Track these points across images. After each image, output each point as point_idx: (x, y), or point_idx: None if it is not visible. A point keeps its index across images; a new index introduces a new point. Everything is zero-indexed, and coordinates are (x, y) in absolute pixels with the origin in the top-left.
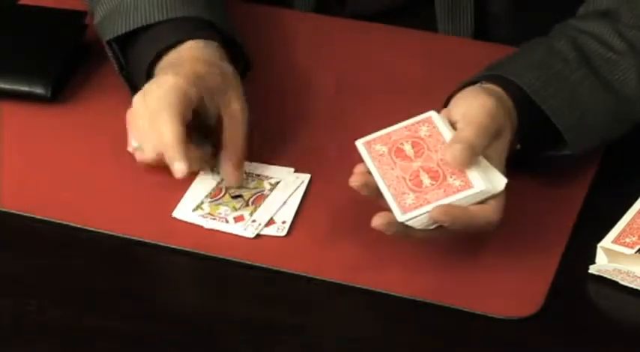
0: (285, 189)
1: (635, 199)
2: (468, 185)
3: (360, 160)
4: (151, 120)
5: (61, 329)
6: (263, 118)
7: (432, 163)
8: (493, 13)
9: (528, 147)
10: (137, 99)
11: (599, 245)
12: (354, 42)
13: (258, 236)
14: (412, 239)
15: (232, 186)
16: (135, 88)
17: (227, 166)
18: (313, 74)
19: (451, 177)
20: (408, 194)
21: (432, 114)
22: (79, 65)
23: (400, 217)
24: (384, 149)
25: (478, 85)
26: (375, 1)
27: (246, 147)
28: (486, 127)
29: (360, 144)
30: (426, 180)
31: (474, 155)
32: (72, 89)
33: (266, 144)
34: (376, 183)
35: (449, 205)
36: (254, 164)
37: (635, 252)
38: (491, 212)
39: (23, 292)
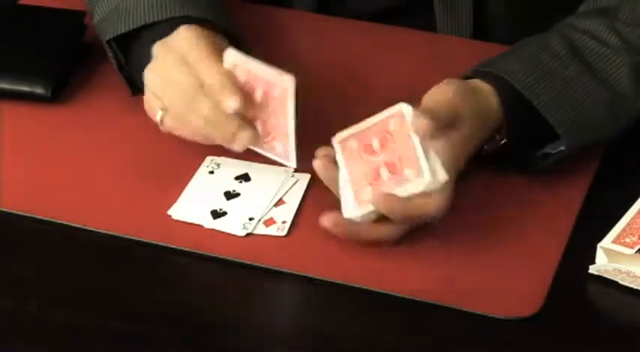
0: (278, 185)
1: (635, 199)
2: (419, 175)
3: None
4: (194, 71)
5: (61, 329)
6: None
7: (393, 156)
8: (492, 14)
9: (524, 144)
10: (158, 47)
11: (599, 245)
12: (354, 42)
13: (254, 235)
14: (361, 240)
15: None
16: (135, 88)
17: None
18: (313, 74)
19: (406, 169)
20: (367, 188)
21: (402, 106)
22: (79, 65)
23: (353, 212)
24: (355, 145)
25: (457, 79)
26: (375, 0)
27: None
28: (436, 112)
29: (335, 141)
30: (384, 173)
31: (435, 128)
32: (72, 89)
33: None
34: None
35: (388, 193)
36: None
37: (635, 252)
38: (431, 202)
39: (23, 292)
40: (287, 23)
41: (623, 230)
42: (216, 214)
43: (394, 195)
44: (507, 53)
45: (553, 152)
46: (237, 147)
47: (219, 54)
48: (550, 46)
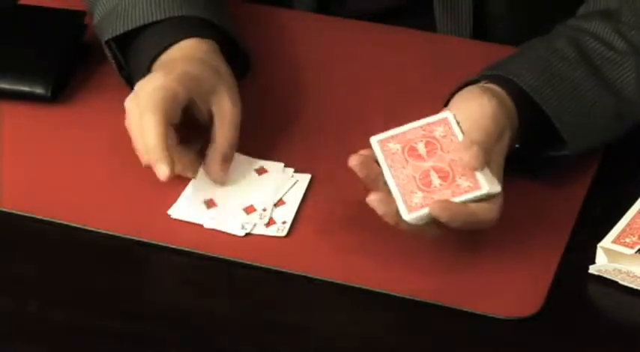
0: (277, 185)
1: (635, 199)
2: (476, 186)
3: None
4: (140, 121)
5: (61, 329)
6: (263, 118)
7: (443, 163)
8: (492, 14)
9: (528, 147)
10: (128, 100)
11: (599, 245)
12: (354, 42)
13: (254, 235)
14: (409, 232)
15: (216, 182)
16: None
17: (212, 162)
18: (313, 74)
19: (460, 178)
20: (416, 193)
21: (447, 114)
22: (79, 65)
23: (405, 216)
24: (398, 147)
25: (478, 85)
26: (375, 1)
27: (234, 144)
28: (491, 131)
29: (374, 141)
30: (436, 180)
31: (487, 157)
32: (72, 89)
33: (265, 144)
34: (379, 172)
35: (448, 201)
36: (251, 160)
37: (635, 252)
38: (490, 209)
39: (23, 292)
40: (287, 23)
41: (623, 230)
42: (214, 210)
43: (454, 203)
44: (513, 56)
45: (556, 154)
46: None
47: (172, 106)
48: (558, 49)
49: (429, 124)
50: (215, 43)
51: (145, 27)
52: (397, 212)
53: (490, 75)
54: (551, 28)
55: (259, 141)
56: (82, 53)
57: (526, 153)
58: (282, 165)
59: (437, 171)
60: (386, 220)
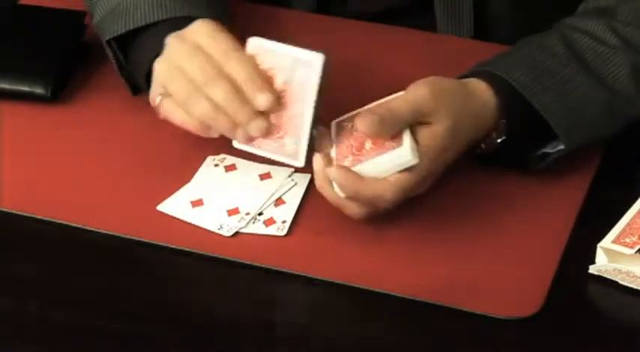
0: (274, 184)
1: (635, 199)
2: (399, 144)
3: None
4: (219, 63)
5: (61, 329)
6: None
7: None
8: (493, 14)
9: (522, 143)
10: (172, 41)
11: (599, 245)
12: (355, 42)
13: (254, 235)
14: (331, 200)
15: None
16: (135, 88)
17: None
18: None
19: (389, 141)
20: (348, 157)
21: (402, 92)
22: (79, 65)
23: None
24: (350, 125)
25: (440, 77)
26: (375, 1)
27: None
28: (395, 108)
29: (334, 122)
30: (368, 145)
31: (382, 125)
32: (72, 89)
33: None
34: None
35: (344, 168)
36: (250, 162)
37: (635, 252)
38: (387, 186)
39: (23, 292)
40: (287, 23)
41: (623, 230)
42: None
43: (350, 171)
44: (505, 53)
45: (552, 151)
46: (242, 137)
47: (240, 46)
48: (548, 46)
49: (383, 102)
50: None
51: (146, 27)
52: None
53: (479, 71)
54: (552, 27)
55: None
56: (82, 53)
57: (521, 149)
58: (287, 172)
59: (372, 138)
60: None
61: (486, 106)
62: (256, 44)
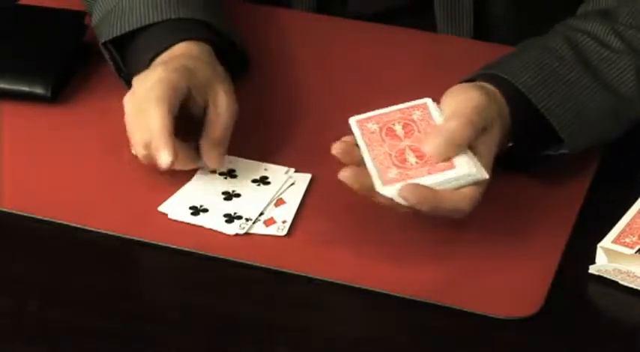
0: (274, 186)
1: (635, 199)
2: (451, 165)
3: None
4: (139, 112)
5: (61, 329)
6: (263, 118)
7: (419, 143)
8: (493, 15)
9: (526, 147)
10: (127, 97)
11: (599, 245)
12: (355, 42)
13: (254, 235)
14: (379, 204)
15: (213, 169)
16: None
17: (207, 148)
18: (313, 74)
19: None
20: (392, 168)
21: (427, 100)
22: (79, 65)
23: (380, 189)
24: (376, 127)
25: (472, 82)
26: (375, 1)
27: (227, 135)
28: (471, 121)
29: (353, 121)
30: (412, 159)
31: (453, 148)
32: (72, 89)
33: (266, 144)
34: (361, 155)
35: (417, 185)
36: (250, 161)
37: (635, 252)
38: (462, 198)
39: (23, 292)
40: (287, 23)
41: (623, 230)
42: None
43: (424, 187)
44: (510, 56)
45: (554, 154)
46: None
47: (174, 97)
48: (554, 49)
49: (407, 108)
50: (210, 45)
51: (142, 29)
52: (371, 186)
53: (485, 74)
54: (552, 28)
55: (259, 141)
56: (82, 53)
57: (524, 152)
58: (284, 169)
59: (413, 150)
60: (361, 194)
61: (505, 109)
62: (357, 118)
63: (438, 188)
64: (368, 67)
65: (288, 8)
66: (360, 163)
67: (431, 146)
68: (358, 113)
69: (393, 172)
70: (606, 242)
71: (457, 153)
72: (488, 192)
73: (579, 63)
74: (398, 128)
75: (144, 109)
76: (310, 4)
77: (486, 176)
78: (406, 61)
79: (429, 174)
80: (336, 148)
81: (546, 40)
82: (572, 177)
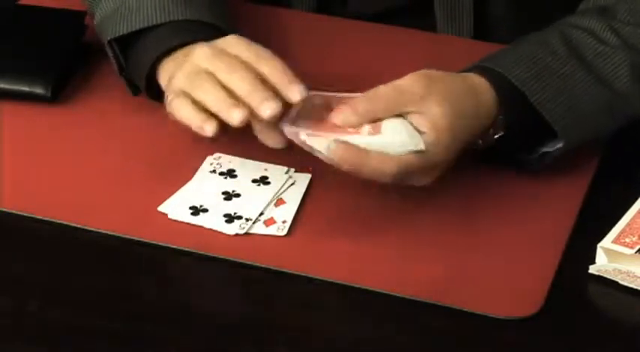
0: (274, 185)
1: (635, 199)
2: (377, 131)
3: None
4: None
5: (61, 329)
6: None
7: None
8: (493, 15)
9: (521, 141)
10: (204, 51)
11: (599, 245)
12: (355, 42)
13: (254, 235)
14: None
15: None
16: (136, 89)
17: (283, 83)
18: (313, 74)
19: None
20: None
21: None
22: (79, 65)
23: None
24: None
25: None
26: (375, 1)
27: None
28: (379, 95)
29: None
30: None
31: (352, 116)
32: (72, 89)
33: (265, 144)
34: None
35: (346, 144)
36: (250, 161)
37: (635, 252)
38: (389, 161)
39: (23, 292)
40: (287, 23)
41: (623, 230)
42: (210, 212)
43: (353, 146)
44: (505, 49)
45: (551, 150)
46: (264, 113)
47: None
48: (548, 43)
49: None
50: None
51: (148, 29)
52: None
53: (479, 66)
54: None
55: (258, 141)
56: (82, 53)
57: (519, 147)
58: (284, 169)
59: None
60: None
61: (487, 101)
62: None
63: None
64: (368, 67)
65: (288, 8)
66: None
67: (335, 114)
68: None
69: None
70: (606, 242)
71: (355, 123)
72: (488, 192)
73: (573, 57)
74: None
75: (253, 56)
76: (310, 4)
77: (422, 147)
78: (406, 61)
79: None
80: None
81: (541, 36)
82: (572, 176)
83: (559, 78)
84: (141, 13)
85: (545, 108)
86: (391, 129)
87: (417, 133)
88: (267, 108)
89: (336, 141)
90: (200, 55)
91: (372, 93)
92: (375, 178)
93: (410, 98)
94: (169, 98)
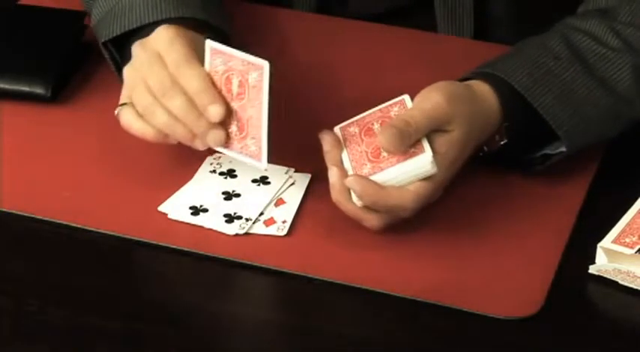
0: (274, 185)
1: (635, 199)
2: (420, 150)
3: None
4: (172, 74)
5: (61, 329)
6: None
7: None
8: (493, 15)
9: (523, 145)
10: (128, 68)
11: (599, 245)
12: (355, 42)
13: (254, 235)
14: (349, 212)
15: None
16: None
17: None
18: (313, 74)
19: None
20: (366, 164)
21: (405, 96)
22: (79, 65)
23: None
24: (356, 130)
25: (450, 81)
26: (376, 1)
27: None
28: (417, 119)
29: (337, 129)
30: (385, 152)
31: (403, 139)
32: (72, 89)
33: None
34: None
35: (364, 178)
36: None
37: (635, 252)
38: (407, 195)
39: (23, 292)
40: (287, 23)
41: (623, 230)
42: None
43: (370, 181)
44: (507, 54)
45: (553, 153)
46: (200, 146)
47: (197, 54)
48: (550, 47)
49: (386, 106)
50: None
51: (141, 28)
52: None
53: (481, 72)
54: (551, 27)
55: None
56: (82, 53)
57: (521, 151)
58: (284, 169)
59: None
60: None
61: (491, 109)
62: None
63: (394, 180)
64: (368, 66)
65: (289, 8)
66: (337, 160)
67: (381, 137)
68: (357, 113)
69: (367, 168)
70: (606, 242)
71: (406, 144)
72: (489, 192)
73: (576, 61)
74: (376, 126)
75: (175, 67)
76: (310, 4)
77: (435, 170)
78: (406, 61)
79: (398, 162)
80: (333, 176)
81: (543, 39)
82: (572, 177)
83: (562, 82)
84: (134, 12)
85: (548, 113)
86: (425, 156)
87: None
88: (213, 139)
89: (355, 175)
90: (138, 60)
91: (408, 117)
92: (393, 212)
93: (442, 119)
94: (117, 110)
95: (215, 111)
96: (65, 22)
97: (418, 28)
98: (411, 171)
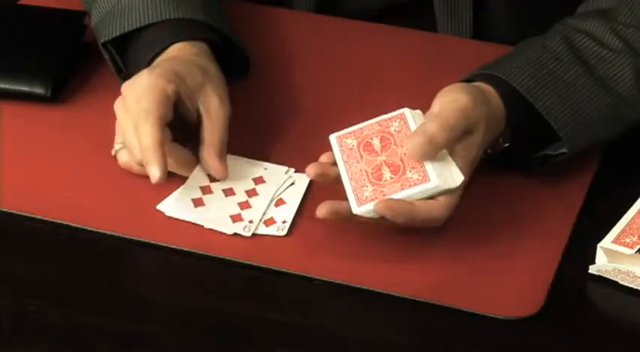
0: (274, 185)
1: (635, 199)
2: (425, 179)
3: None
4: (133, 124)
5: (61, 329)
6: (263, 118)
7: (395, 157)
8: (492, 14)
9: (525, 147)
10: (117, 103)
11: (599, 245)
12: (354, 42)
13: (254, 235)
14: (357, 224)
15: (219, 179)
16: None
17: (209, 159)
18: (313, 74)
19: (410, 171)
20: (367, 187)
21: (404, 110)
22: (79, 65)
23: (355, 209)
24: (354, 143)
25: (465, 83)
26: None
27: (224, 141)
28: (452, 123)
29: (333, 137)
30: (387, 174)
31: (433, 149)
32: (72, 89)
33: (265, 144)
34: (337, 173)
35: (392, 199)
36: (248, 160)
37: (635, 252)
38: (437, 207)
39: (23, 292)
40: (287, 23)
41: (623, 230)
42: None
43: (399, 201)
44: (508, 55)
45: (554, 154)
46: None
47: (154, 109)
48: (551, 48)
49: (385, 120)
50: (206, 45)
51: (141, 29)
52: (348, 213)
53: (483, 74)
54: (551, 27)
55: (259, 141)
56: (82, 53)
57: (523, 152)
58: (284, 169)
59: (388, 165)
60: (338, 220)
61: (500, 110)
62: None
63: (411, 199)
64: (368, 67)
65: (289, 8)
66: (338, 181)
67: (411, 146)
68: (357, 113)
69: (368, 190)
70: (606, 242)
71: (435, 155)
72: (489, 192)
73: (577, 63)
74: (375, 142)
75: (136, 120)
76: (310, 3)
77: (458, 183)
78: (406, 61)
79: (402, 189)
80: (311, 173)
81: (544, 40)
82: (572, 177)
83: (563, 84)
84: (133, 13)
85: (550, 115)
86: (436, 175)
87: (453, 169)
88: (152, 175)
89: (381, 200)
90: (120, 102)
91: (443, 121)
92: (425, 225)
93: (471, 121)
94: (114, 150)
95: (153, 173)
96: (65, 22)
97: (417, 25)
98: (423, 193)
